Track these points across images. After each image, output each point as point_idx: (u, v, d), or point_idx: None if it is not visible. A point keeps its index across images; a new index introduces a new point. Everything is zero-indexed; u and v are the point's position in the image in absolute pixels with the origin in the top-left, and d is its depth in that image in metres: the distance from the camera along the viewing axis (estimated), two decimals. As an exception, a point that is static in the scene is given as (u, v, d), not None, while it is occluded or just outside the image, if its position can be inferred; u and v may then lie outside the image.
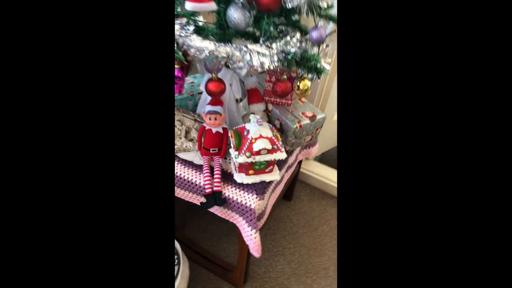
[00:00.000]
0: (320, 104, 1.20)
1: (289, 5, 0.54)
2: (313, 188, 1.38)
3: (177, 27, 0.46)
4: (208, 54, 0.46)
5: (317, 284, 1.00)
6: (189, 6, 0.46)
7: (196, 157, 0.77)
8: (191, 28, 0.46)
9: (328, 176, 1.37)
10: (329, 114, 1.31)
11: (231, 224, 0.76)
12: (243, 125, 0.72)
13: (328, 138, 1.44)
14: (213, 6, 0.48)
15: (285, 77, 0.64)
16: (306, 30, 0.65)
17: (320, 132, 1.02)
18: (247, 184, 0.71)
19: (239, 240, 0.79)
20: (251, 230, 0.69)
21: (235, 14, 0.56)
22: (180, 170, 0.76)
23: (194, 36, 0.46)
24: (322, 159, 1.53)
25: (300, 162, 1.10)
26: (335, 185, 1.35)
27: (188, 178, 0.74)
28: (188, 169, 0.76)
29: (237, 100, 0.80)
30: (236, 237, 1.07)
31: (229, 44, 0.50)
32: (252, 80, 0.83)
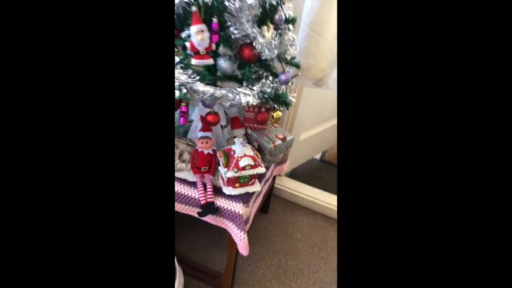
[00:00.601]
0: (288, 127, 1.41)
1: (264, 56, 0.74)
2: (286, 201, 1.56)
3: (185, 76, 0.63)
4: (209, 96, 0.64)
5: (295, 283, 1.15)
6: (194, 62, 0.64)
7: (189, 175, 0.91)
8: (197, 77, 0.63)
9: (298, 189, 1.56)
10: (296, 135, 1.52)
11: (215, 237, 0.89)
12: (229, 146, 0.88)
13: (296, 156, 1.64)
14: (211, 61, 0.66)
15: (263, 109, 0.83)
16: (276, 73, 0.85)
17: (292, 152, 1.22)
18: (234, 195, 0.87)
19: (228, 245, 0.93)
20: (240, 232, 0.84)
21: (224, 64, 0.74)
22: (176, 186, 0.89)
23: (198, 83, 0.63)
24: (293, 175, 1.72)
25: (274, 177, 1.28)
26: (305, 197, 1.54)
27: (183, 193, 0.88)
28: (183, 185, 0.90)
29: (222, 127, 0.97)
30: (221, 248, 1.20)
31: (222, 88, 0.68)
32: (234, 109, 1.01)
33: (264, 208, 1.43)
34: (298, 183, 1.61)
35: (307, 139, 1.62)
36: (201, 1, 0.58)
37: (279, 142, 0.99)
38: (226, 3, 0.59)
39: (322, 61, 1.01)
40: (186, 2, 0.57)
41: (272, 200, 1.48)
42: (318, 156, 1.99)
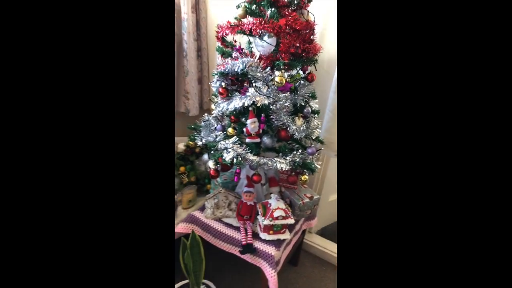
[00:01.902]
0: (318, 189, 1.64)
1: (295, 137, 1.04)
2: (314, 256, 1.69)
3: (240, 149, 0.94)
4: (256, 163, 0.94)
5: (319, 335, 1.24)
6: (248, 140, 0.96)
7: (234, 221, 1.17)
8: (248, 150, 0.95)
9: (327, 246, 1.69)
10: (326, 196, 1.73)
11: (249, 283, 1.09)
12: (266, 200, 1.14)
13: (326, 215, 1.82)
14: (258, 140, 0.98)
15: (293, 173, 1.10)
16: (306, 146, 1.14)
17: (319, 210, 1.43)
18: (269, 240, 1.09)
19: (261, 284, 1.11)
20: (272, 271, 1.04)
21: (267, 141, 1.06)
22: (223, 229, 1.15)
23: (249, 154, 0.94)
24: (323, 233, 1.87)
25: (304, 231, 1.47)
26: (333, 254, 1.66)
27: (229, 234, 1.13)
28: (229, 229, 1.15)
29: (262, 184, 1.25)
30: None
31: (265, 157, 0.98)
32: (271, 172, 1.30)
33: (294, 261, 1.58)
34: (327, 241, 1.75)
35: (336, 201, 1.81)
36: (255, 106, 0.92)
37: (307, 200, 1.23)
38: (271, 106, 0.93)
39: (343, 138, 1.29)
40: (246, 106, 0.92)
41: (302, 255, 1.63)
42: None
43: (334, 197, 1.78)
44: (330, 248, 1.70)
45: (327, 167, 1.59)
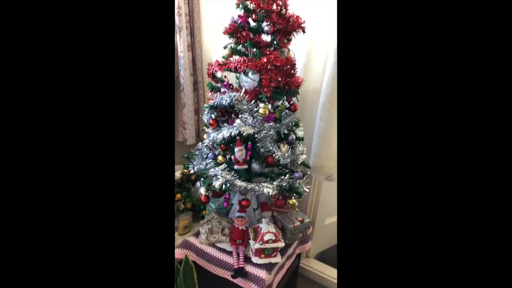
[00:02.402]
0: (312, 213, 1.67)
1: (281, 162, 1.10)
2: (312, 282, 1.68)
3: (229, 176, 1.01)
4: (244, 188, 1.00)
5: None
6: (236, 167, 1.03)
7: (227, 246, 1.21)
8: (236, 176, 1.01)
9: (325, 271, 1.69)
10: (321, 220, 1.75)
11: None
12: (258, 224, 1.19)
13: (323, 238, 1.83)
14: (246, 167, 1.05)
15: (280, 197, 1.15)
16: (293, 170, 1.20)
17: (315, 234, 1.46)
18: (260, 264, 1.12)
19: (254, 309, 1.12)
20: (263, 295, 1.05)
21: (256, 166, 1.12)
22: (217, 254, 1.18)
23: (237, 180, 1.01)
24: (321, 258, 1.86)
25: (299, 255, 1.48)
26: (331, 279, 1.65)
27: (222, 259, 1.16)
28: (222, 253, 1.18)
29: (254, 209, 1.29)
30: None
31: (252, 183, 1.04)
32: (263, 196, 1.35)
33: (290, 287, 1.58)
34: (325, 265, 1.75)
35: (332, 224, 1.82)
36: (241, 135, 1.00)
37: (298, 223, 1.26)
38: (256, 135, 1.01)
39: (330, 162, 1.35)
40: (233, 135, 1.00)
41: (299, 280, 1.63)
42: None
43: (330, 220, 1.81)
44: (328, 273, 1.69)
45: (320, 191, 1.63)
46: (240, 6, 1.03)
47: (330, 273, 1.69)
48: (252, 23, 1.04)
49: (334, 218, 1.83)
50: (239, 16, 1.04)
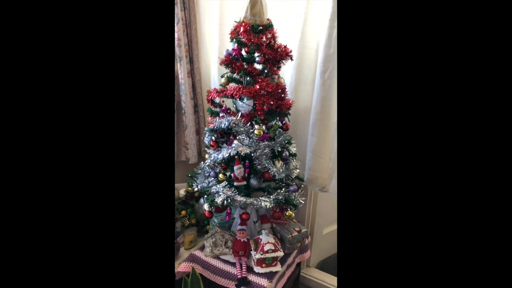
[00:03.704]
0: (310, 223, 1.75)
1: (276, 177, 1.21)
2: (314, 290, 1.74)
3: (230, 192, 1.11)
4: (244, 203, 1.10)
5: None
6: (235, 184, 1.14)
7: (230, 257, 1.30)
8: (236, 192, 1.12)
9: (325, 280, 1.76)
10: (320, 230, 1.83)
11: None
12: (258, 236, 1.28)
13: (322, 248, 1.90)
14: (245, 183, 1.16)
15: (277, 210, 1.25)
16: (289, 184, 1.30)
17: (314, 243, 1.54)
18: (262, 273, 1.21)
19: (258, 317, 1.20)
20: (265, 302, 1.14)
21: (254, 182, 1.23)
22: (221, 265, 1.27)
23: (238, 196, 1.11)
24: (322, 267, 1.93)
25: (299, 264, 1.56)
26: (332, 287, 1.71)
27: (226, 270, 1.25)
28: (226, 265, 1.27)
29: (254, 222, 1.39)
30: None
31: (251, 197, 1.14)
32: (263, 210, 1.45)
33: (293, 296, 1.65)
34: (326, 274, 1.81)
35: (331, 233, 1.91)
36: (239, 154, 1.11)
37: (296, 233, 1.36)
38: (252, 153, 1.12)
39: (324, 174, 1.46)
40: (232, 155, 1.11)
41: (301, 289, 1.70)
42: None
43: (328, 229, 1.89)
44: (329, 281, 1.76)
45: (317, 202, 1.72)
46: (234, 40, 1.17)
47: (331, 281, 1.76)
48: (245, 54, 1.18)
49: (332, 227, 1.91)
50: (233, 49, 1.17)
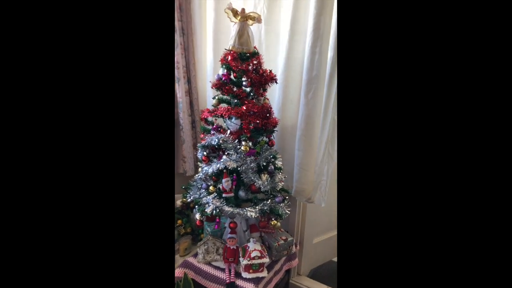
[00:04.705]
0: (300, 233, 1.85)
1: (262, 190, 1.32)
2: (304, 297, 1.82)
3: (218, 202, 1.23)
4: (231, 213, 1.21)
5: None
6: (224, 195, 1.25)
7: (221, 264, 1.40)
8: (224, 202, 1.23)
9: (314, 287, 1.84)
10: (309, 239, 1.92)
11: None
12: (246, 244, 1.38)
13: (311, 257, 1.98)
14: (232, 195, 1.27)
15: (263, 219, 1.36)
16: (275, 195, 1.41)
17: (304, 252, 1.64)
18: (249, 278, 1.31)
19: (245, 320, 1.29)
20: (250, 305, 1.23)
21: (242, 193, 1.35)
22: (212, 271, 1.37)
23: (226, 206, 1.23)
24: (314, 275, 2.01)
25: (288, 272, 1.65)
26: (321, 295, 1.79)
27: (216, 275, 1.35)
28: (217, 270, 1.37)
29: (244, 231, 1.50)
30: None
31: (238, 207, 1.26)
32: (253, 220, 1.55)
33: (283, 303, 1.73)
34: (315, 282, 1.89)
35: (321, 242, 1.99)
36: (227, 168, 1.23)
37: (282, 242, 1.46)
38: (238, 168, 1.24)
39: (310, 186, 1.56)
40: (221, 169, 1.23)
41: (291, 296, 1.77)
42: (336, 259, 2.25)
43: (318, 239, 1.98)
44: (317, 288, 1.84)
45: (306, 212, 1.82)
46: (223, 66, 1.31)
47: (319, 288, 1.83)
48: (234, 79, 1.32)
49: (323, 237, 2.00)
50: (223, 74, 1.31)
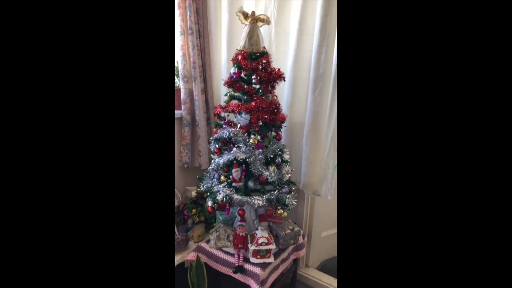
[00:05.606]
0: (308, 224, 1.91)
1: (269, 180, 1.41)
2: (311, 288, 1.89)
3: (228, 191, 1.33)
4: (240, 201, 1.31)
5: None
6: (234, 184, 1.36)
7: (231, 249, 1.50)
8: (234, 191, 1.33)
9: (322, 278, 1.89)
10: (318, 232, 1.99)
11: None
12: (254, 231, 1.48)
13: (320, 250, 2.05)
14: (242, 184, 1.37)
15: (270, 208, 1.45)
16: (282, 186, 1.49)
17: (313, 245, 1.71)
18: (257, 263, 1.40)
19: (252, 301, 1.38)
20: (258, 287, 1.32)
21: (251, 184, 1.44)
22: (222, 256, 1.48)
23: (235, 194, 1.33)
24: (323, 268, 2.07)
25: (295, 261, 1.72)
26: (329, 286, 1.85)
27: (226, 259, 1.45)
28: (227, 255, 1.48)
29: (253, 220, 1.59)
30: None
31: (247, 196, 1.35)
32: (262, 209, 1.65)
33: (291, 291, 1.81)
34: (323, 274, 1.95)
35: (329, 236, 2.05)
36: (237, 159, 1.34)
37: (289, 231, 1.54)
38: (247, 159, 1.34)
39: (316, 180, 1.64)
40: (231, 160, 1.34)
41: (298, 286, 1.85)
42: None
43: (326, 233, 2.03)
44: (325, 280, 1.90)
45: (314, 206, 1.89)
46: (235, 65, 1.42)
47: (327, 280, 1.89)
48: (244, 77, 1.42)
49: (330, 231, 2.05)
50: (234, 72, 1.42)
